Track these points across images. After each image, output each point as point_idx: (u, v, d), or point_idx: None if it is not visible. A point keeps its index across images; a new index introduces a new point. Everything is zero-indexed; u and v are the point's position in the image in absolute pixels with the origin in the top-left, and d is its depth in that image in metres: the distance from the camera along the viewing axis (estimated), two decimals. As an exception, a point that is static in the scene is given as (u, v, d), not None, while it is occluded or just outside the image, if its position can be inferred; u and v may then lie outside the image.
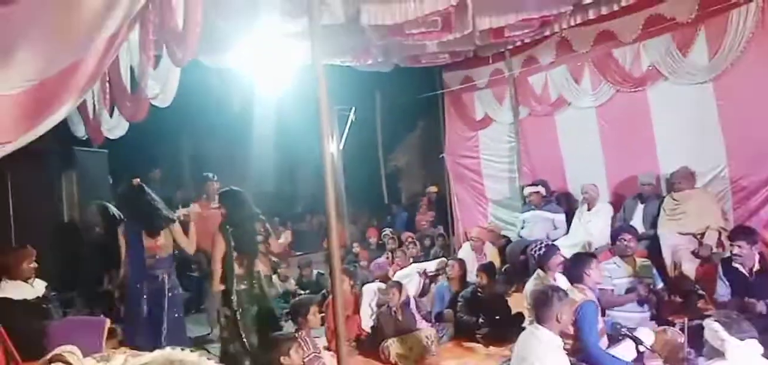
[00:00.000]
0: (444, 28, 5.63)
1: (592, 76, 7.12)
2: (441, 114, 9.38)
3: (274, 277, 7.94)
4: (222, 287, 4.73)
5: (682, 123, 6.38)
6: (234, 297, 4.67)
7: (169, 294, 5.04)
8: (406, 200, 11.15)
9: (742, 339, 2.61)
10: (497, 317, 5.75)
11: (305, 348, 4.41)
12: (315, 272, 8.42)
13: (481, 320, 5.77)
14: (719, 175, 6.20)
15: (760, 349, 2.65)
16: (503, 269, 7.27)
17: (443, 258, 7.51)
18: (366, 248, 9.24)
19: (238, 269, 4.71)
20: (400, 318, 5.64)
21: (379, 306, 5.97)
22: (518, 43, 7.22)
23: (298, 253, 9.08)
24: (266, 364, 3.93)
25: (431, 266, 7.13)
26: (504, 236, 8.25)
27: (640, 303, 4.79)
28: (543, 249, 4.94)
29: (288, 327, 5.36)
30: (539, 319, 3.57)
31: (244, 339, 4.62)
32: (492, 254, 7.55)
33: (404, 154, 11.19)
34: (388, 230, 9.16)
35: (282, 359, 3.84)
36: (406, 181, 11.29)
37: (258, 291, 4.83)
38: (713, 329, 2.72)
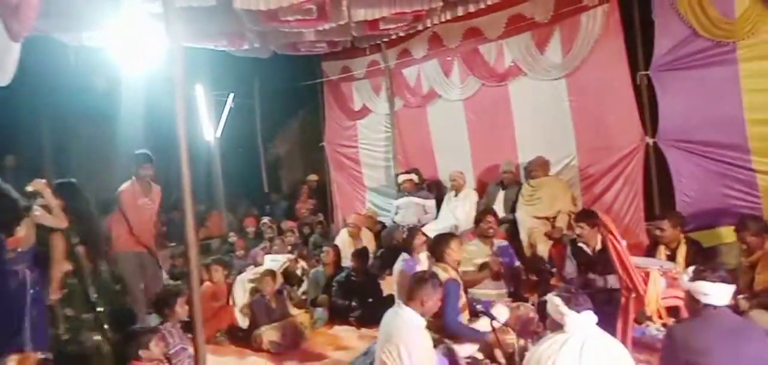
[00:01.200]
0: (319, 16, 5.67)
1: (460, 71, 7.52)
2: (321, 103, 9.43)
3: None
4: (60, 293, 4.40)
5: (538, 116, 6.95)
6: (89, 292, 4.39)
7: (31, 291, 4.61)
8: (287, 189, 11.04)
9: (578, 312, 2.79)
10: (370, 299, 5.92)
11: (170, 341, 4.27)
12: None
13: (354, 303, 5.91)
14: (570, 164, 6.82)
15: (595, 319, 2.88)
16: (378, 254, 7.48)
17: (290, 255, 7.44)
18: (243, 237, 9.05)
19: (86, 264, 4.44)
20: (273, 305, 5.63)
21: (252, 294, 5.91)
22: (393, 37, 7.41)
23: (172, 243, 8.70)
24: (123, 358, 3.75)
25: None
26: (380, 222, 8.48)
27: (495, 279, 5.15)
28: (406, 232, 5.15)
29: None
30: (405, 299, 3.71)
31: (100, 335, 4.37)
32: (368, 240, 7.74)
33: (284, 142, 11.07)
34: (266, 219, 9.03)
35: (141, 352, 3.71)
36: (287, 169, 11.19)
37: (110, 285, 4.59)
38: (554, 303, 2.89)
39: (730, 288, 2.93)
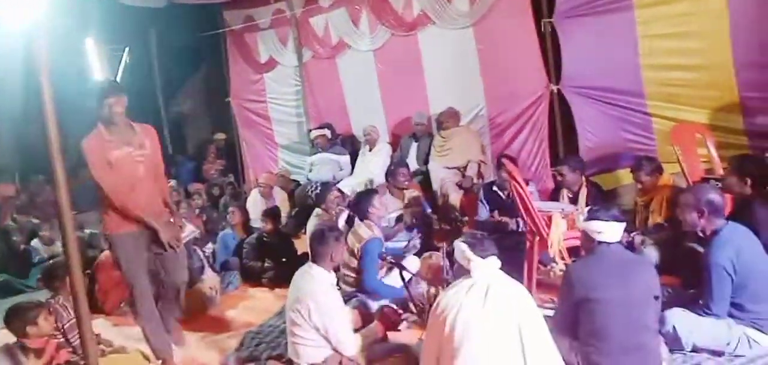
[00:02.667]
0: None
1: (369, 20, 7.32)
2: (225, 56, 8.95)
3: (35, 241, 7.06)
4: None
5: (448, 66, 6.91)
6: None
7: None
8: (193, 149, 10.51)
9: (483, 257, 2.79)
10: (284, 259, 5.78)
11: (65, 314, 3.97)
12: (87, 232, 7.57)
13: (267, 264, 5.75)
14: (479, 113, 6.88)
15: (498, 263, 2.89)
16: (293, 213, 7.31)
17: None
18: (147, 203, 8.55)
19: None
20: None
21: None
22: (298, -17, 7.13)
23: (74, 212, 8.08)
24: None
25: None
26: (294, 181, 8.28)
27: (409, 230, 5.16)
28: (319, 188, 5.04)
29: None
30: (314, 257, 3.62)
31: None
32: (281, 199, 7.54)
33: (187, 99, 10.43)
34: (171, 182, 8.57)
35: (28, 328, 3.44)
36: (191, 128, 10.60)
37: None
38: (460, 249, 2.89)
39: (621, 226, 3.07)
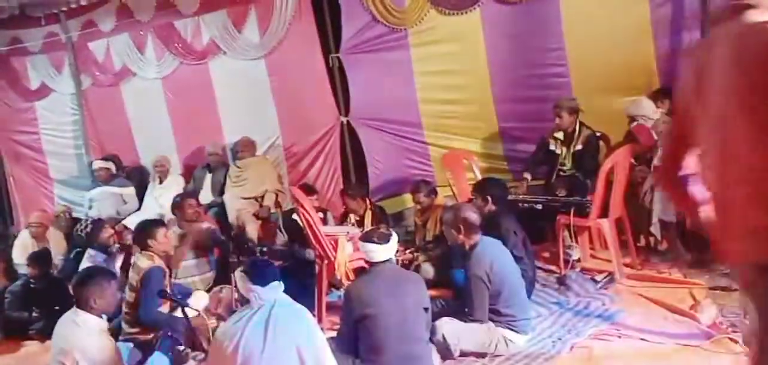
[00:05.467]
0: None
1: (155, 47, 6.99)
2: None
3: None
4: None
5: (241, 96, 6.88)
6: None
7: None
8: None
9: (263, 285, 2.79)
10: (56, 308, 5.17)
11: None
12: None
13: (34, 314, 5.13)
14: (275, 143, 6.93)
15: (281, 288, 2.87)
16: (72, 255, 6.58)
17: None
18: None
19: None
20: None
21: None
22: (74, 6, 6.55)
23: None
24: None
25: None
26: (75, 219, 7.47)
27: (195, 248, 5.00)
28: (90, 226, 4.63)
29: None
30: (78, 303, 3.30)
31: None
32: (57, 240, 6.75)
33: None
34: None
35: None
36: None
37: None
38: (240, 278, 2.89)
39: (390, 246, 3.31)
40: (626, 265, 4.70)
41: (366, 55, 6.20)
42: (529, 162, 5.50)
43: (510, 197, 4.86)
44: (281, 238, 6.02)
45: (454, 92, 6.03)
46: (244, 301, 2.97)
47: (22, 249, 6.45)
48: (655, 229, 4.64)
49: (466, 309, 3.72)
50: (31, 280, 5.32)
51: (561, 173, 5.23)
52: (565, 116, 5.04)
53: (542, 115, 5.42)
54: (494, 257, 3.72)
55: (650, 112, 4.77)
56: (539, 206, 4.86)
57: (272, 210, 6.40)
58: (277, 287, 2.88)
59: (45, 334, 4.97)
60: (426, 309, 3.41)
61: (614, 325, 3.84)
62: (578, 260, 4.87)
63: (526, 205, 4.93)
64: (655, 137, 4.59)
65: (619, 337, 3.70)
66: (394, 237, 3.41)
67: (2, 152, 8.05)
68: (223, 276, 5.23)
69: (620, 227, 4.76)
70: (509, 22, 5.66)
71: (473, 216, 3.78)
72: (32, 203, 7.90)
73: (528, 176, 5.30)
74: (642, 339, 3.61)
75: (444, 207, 5.08)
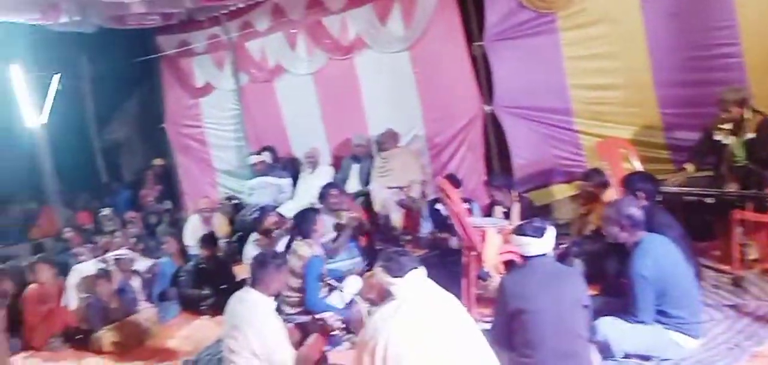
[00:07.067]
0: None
1: (306, 44, 7.36)
2: (159, 82, 8.76)
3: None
4: None
5: (385, 89, 7.03)
6: None
7: None
8: (130, 177, 10.18)
9: (402, 276, 2.75)
10: (223, 286, 5.67)
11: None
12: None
13: (205, 291, 5.65)
14: (417, 134, 6.99)
15: (423, 275, 2.81)
16: (234, 238, 7.19)
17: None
18: (81, 233, 8.21)
19: None
20: (113, 306, 5.19)
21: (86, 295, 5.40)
22: (233, 8, 7.07)
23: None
24: None
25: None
26: (236, 206, 8.15)
27: (354, 237, 5.18)
28: (257, 213, 4.98)
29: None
30: (253, 282, 3.56)
31: None
32: (221, 224, 7.41)
33: (123, 126, 10.13)
34: (107, 211, 8.28)
35: None
36: (127, 155, 10.29)
37: None
38: (378, 273, 2.85)
39: (546, 240, 3.17)
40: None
41: (511, 42, 6.01)
42: (692, 152, 5.00)
43: (675, 190, 4.46)
44: (425, 227, 6.09)
45: (609, 77, 5.64)
46: (387, 294, 2.91)
47: (192, 233, 7.14)
48: None
49: (630, 310, 3.48)
50: (202, 261, 5.87)
51: (734, 164, 4.69)
52: (734, 109, 4.52)
53: (708, 100, 4.89)
54: (659, 254, 3.44)
55: None
56: (711, 200, 4.40)
57: (416, 199, 6.48)
58: (417, 275, 2.80)
59: (214, 310, 5.50)
60: (585, 306, 3.24)
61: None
62: (755, 260, 4.36)
63: (692, 198, 4.49)
64: None
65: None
66: (551, 231, 3.26)
67: (173, 143, 8.94)
68: (372, 262, 5.41)
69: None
70: (671, 1, 5.20)
71: (637, 212, 3.53)
72: (198, 190, 8.72)
73: (690, 167, 4.82)
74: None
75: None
